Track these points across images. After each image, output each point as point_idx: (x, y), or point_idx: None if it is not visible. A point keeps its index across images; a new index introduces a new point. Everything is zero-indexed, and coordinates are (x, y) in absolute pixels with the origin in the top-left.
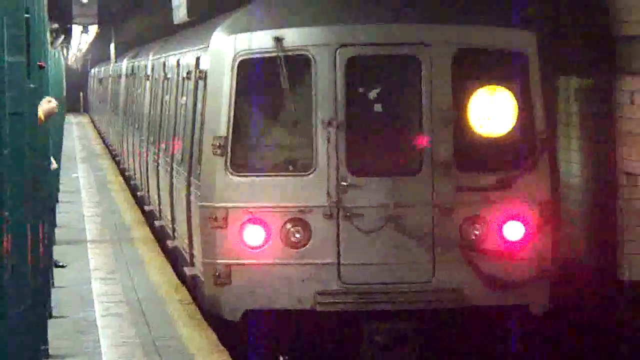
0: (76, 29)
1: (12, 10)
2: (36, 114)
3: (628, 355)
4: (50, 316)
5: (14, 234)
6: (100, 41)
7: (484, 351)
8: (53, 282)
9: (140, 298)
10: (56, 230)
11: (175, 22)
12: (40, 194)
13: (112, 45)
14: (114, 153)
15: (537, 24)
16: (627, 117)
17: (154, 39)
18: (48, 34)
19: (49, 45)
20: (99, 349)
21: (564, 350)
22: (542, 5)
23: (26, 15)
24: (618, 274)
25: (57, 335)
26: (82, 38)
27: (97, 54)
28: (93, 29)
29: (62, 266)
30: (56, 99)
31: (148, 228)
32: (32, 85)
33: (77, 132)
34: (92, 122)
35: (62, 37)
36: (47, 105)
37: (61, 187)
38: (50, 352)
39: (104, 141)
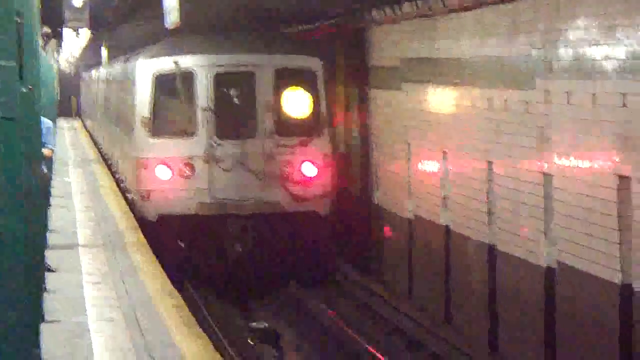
0: (68, 33)
1: (3, 14)
2: (33, 120)
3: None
4: (43, 321)
5: (5, 239)
6: (93, 46)
7: (292, 238)
8: (45, 287)
9: (134, 303)
10: (48, 235)
11: (167, 27)
12: (32, 198)
13: (103, 50)
14: (102, 151)
15: (335, 55)
16: (375, 111)
17: (144, 44)
18: (40, 38)
19: (41, 49)
20: (92, 354)
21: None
22: (339, 44)
23: (17, 19)
24: (372, 199)
25: (49, 340)
26: (74, 42)
27: (90, 58)
28: (85, 33)
29: (54, 270)
30: (48, 105)
31: (141, 234)
32: (24, 90)
33: (69, 137)
34: (84, 126)
35: (54, 41)
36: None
37: (53, 192)
38: (43, 357)
39: (95, 145)
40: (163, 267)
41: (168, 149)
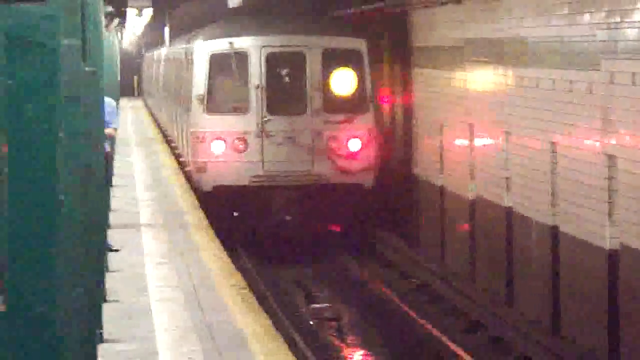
0: (131, 12)
1: None
2: (96, 99)
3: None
4: (105, 300)
5: (68, 218)
6: (154, 25)
7: (339, 208)
8: (107, 267)
9: (194, 283)
10: (110, 214)
11: (229, 7)
12: (94, 178)
13: (166, 29)
14: (163, 129)
15: (383, 37)
16: (416, 86)
17: (202, 24)
18: (103, 17)
19: (104, 29)
20: (153, 334)
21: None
22: (385, 27)
23: None
24: (412, 170)
25: (111, 319)
26: (137, 22)
27: (151, 38)
28: (148, 13)
29: (116, 250)
30: (111, 85)
31: (202, 213)
32: (88, 69)
33: (130, 116)
34: (146, 105)
35: (117, 20)
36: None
37: (115, 171)
38: (105, 336)
39: (156, 123)
40: (217, 234)
41: (222, 124)
